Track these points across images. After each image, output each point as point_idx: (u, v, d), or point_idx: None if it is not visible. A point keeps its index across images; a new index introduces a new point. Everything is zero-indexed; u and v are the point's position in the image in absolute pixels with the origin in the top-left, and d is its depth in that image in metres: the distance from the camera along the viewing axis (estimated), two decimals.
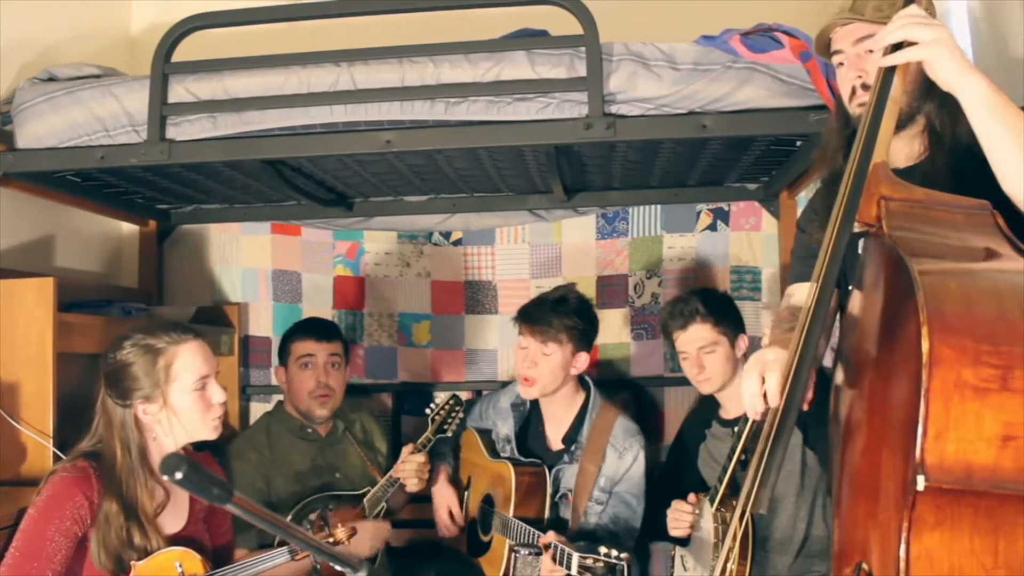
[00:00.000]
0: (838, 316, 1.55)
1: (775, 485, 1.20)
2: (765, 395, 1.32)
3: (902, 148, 1.49)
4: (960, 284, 1.03)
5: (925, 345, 0.97)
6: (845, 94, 1.52)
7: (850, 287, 1.45)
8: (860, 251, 1.47)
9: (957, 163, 1.40)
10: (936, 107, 1.43)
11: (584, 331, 2.37)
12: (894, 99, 1.32)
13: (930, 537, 0.99)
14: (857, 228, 1.26)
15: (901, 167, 1.46)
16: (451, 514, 2.48)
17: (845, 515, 1.25)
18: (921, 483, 0.97)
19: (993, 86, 1.26)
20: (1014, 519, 0.98)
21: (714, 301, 2.29)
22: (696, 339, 2.24)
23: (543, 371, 2.34)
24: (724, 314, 2.27)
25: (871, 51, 1.45)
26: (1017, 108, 1.27)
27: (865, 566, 1.11)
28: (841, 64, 1.53)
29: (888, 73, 1.33)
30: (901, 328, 1.05)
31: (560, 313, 2.33)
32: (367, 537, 2.23)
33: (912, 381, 0.98)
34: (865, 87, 1.46)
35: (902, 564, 0.99)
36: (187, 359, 1.78)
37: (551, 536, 2.06)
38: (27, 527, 1.67)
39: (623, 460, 2.34)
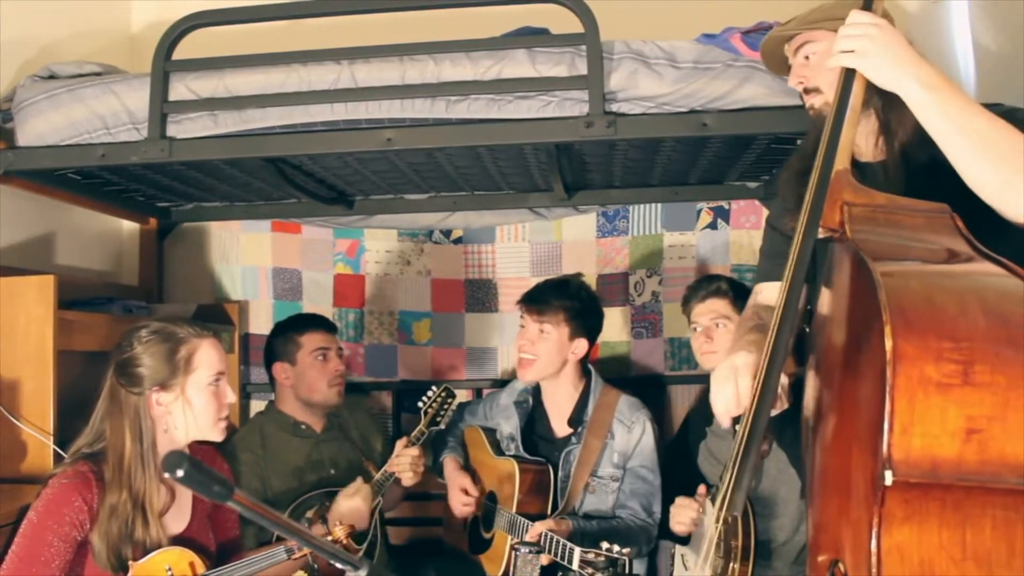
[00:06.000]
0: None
1: (749, 487, 1.24)
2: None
3: (860, 144, 1.51)
4: (921, 284, 1.07)
5: (888, 343, 1.00)
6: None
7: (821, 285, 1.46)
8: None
9: (908, 162, 1.43)
10: (884, 104, 1.44)
11: (581, 314, 2.38)
12: (854, 108, 1.34)
13: (900, 531, 1.01)
14: (821, 234, 1.28)
15: (861, 160, 1.50)
16: (466, 492, 2.42)
17: (818, 513, 1.27)
18: (889, 478, 0.99)
19: (934, 82, 1.26)
20: (980, 511, 1.00)
21: (739, 286, 2.35)
22: (710, 311, 2.28)
23: (539, 350, 2.35)
24: (744, 299, 2.28)
25: (808, 58, 1.55)
26: (963, 96, 1.27)
27: (841, 566, 1.13)
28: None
29: (847, 77, 1.35)
30: (866, 328, 1.08)
31: (559, 295, 2.37)
32: (364, 511, 2.19)
33: (877, 379, 1.01)
34: (807, 91, 1.54)
35: (874, 559, 1.01)
36: (206, 353, 1.81)
37: (539, 527, 2.04)
38: (26, 531, 1.68)
39: (632, 433, 2.36)
